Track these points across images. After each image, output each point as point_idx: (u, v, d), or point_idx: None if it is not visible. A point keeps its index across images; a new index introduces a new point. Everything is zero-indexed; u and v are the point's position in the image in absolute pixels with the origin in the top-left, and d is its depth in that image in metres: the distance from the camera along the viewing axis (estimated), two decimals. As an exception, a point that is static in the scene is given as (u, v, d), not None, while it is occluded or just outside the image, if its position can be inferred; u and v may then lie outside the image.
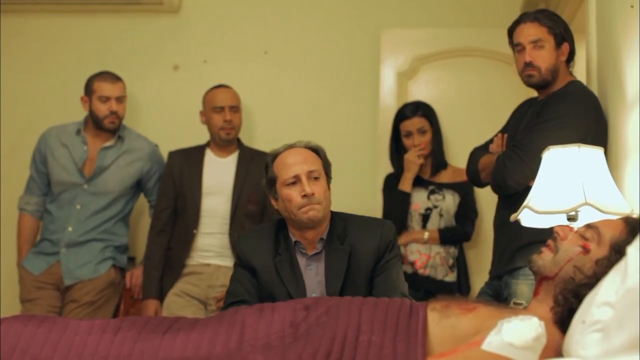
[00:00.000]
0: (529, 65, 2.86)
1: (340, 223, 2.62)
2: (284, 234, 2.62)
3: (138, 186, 3.89)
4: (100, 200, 3.74)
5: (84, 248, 3.69)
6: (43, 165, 3.81)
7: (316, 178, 2.54)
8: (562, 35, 2.87)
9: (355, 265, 2.54)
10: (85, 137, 3.80)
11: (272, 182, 2.60)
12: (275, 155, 2.63)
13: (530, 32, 2.87)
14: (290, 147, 2.63)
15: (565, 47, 2.88)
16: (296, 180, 2.54)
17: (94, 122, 3.79)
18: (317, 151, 2.63)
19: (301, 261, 2.58)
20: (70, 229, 3.69)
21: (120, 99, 3.79)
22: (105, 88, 3.75)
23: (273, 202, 2.63)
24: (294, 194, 2.52)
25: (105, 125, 3.76)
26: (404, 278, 2.62)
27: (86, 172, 3.75)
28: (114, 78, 3.80)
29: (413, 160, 3.82)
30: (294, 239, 2.59)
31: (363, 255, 2.55)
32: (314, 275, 2.57)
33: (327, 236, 2.58)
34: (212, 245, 3.71)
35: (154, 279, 3.70)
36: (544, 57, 2.85)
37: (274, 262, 2.56)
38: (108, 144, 3.79)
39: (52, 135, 3.83)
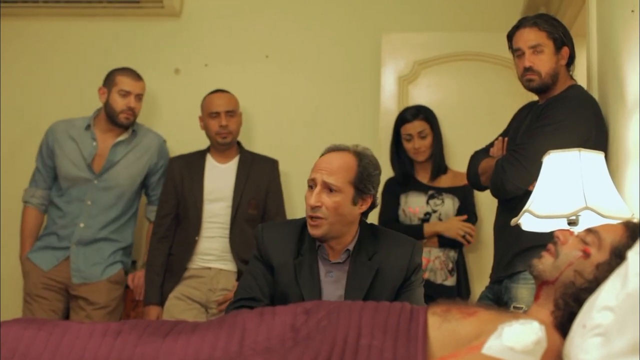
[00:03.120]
0: (528, 70, 2.86)
1: (370, 237, 2.54)
2: (309, 234, 2.51)
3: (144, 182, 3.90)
4: (110, 195, 3.74)
5: (94, 248, 3.69)
6: (50, 159, 3.80)
7: (331, 190, 2.44)
8: (562, 39, 2.87)
9: (380, 284, 2.47)
10: (94, 132, 3.80)
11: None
12: (326, 150, 2.55)
13: (529, 37, 2.87)
14: (337, 148, 2.53)
15: (565, 51, 2.88)
16: (312, 185, 2.47)
17: (108, 116, 3.78)
18: (360, 161, 2.49)
19: (322, 267, 2.50)
20: (82, 225, 3.70)
21: (139, 97, 3.81)
22: (127, 83, 3.76)
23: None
24: (308, 199, 2.47)
25: (120, 120, 3.75)
26: (423, 300, 2.54)
27: (95, 168, 3.75)
28: (138, 76, 3.83)
29: (457, 232, 3.78)
30: (318, 243, 2.51)
31: (390, 275, 2.48)
32: (333, 283, 2.50)
33: (354, 248, 2.51)
34: (213, 249, 3.71)
35: (156, 285, 3.70)
36: (543, 62, 2.85)
37: (293, 263, 2.48)
38: (121, 138, 3.80)
39: (60, 129, 3.82)
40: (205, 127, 3.86)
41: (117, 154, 3.78)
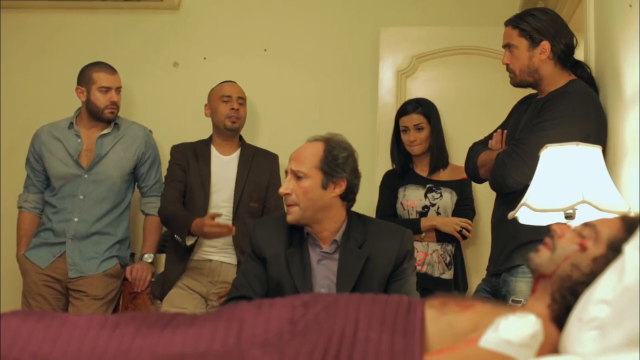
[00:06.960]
0: (507, 67, 2.93)
1: (360, 226, 2.61)
2: (299, 225, 2.61)
3: (134, 174, 3.92)
4: (102, 188, 3.78)
5: (90, 242, 3.73)
6: (38, 163, 3.86)
7: (299, 177, 2.55)
8: (540, 33, 2.86)
9: (370, 271, 2.53)
10: (78, 130, 3.85)
11: None
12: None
13: (504, 35, 2.95)
14: (313, 138, 2.66)
15: (544, 45, 2.86)
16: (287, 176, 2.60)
17: (91, 113, 3.83)
18: (326, 145, 2.59)
19: (314, 255, 2.57)
20: (76, 219, 3.74)
21: (119, 90, 3.86)
22: (106, 79, 3.81)
23: None
24: None
25: (105, 115, 3.81)
26: (416, 288, 2.61)
27: (83, 162, 3.79)
28: (112, 69, 3.87)
29: (453, 227, 3.79)
30: (306, 231, 2.59)
31: (380, 263, 2.55)
32: (324, 271, 2.56)
33: (343, 237, 2.57)
34: (215, 242, 3.72)
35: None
36: (516, 59, 2.90)
37: (285, 253, 2.56)
38: (105, 131, 3.85)
39: (44, 133, 3.89)
40: (214, 112, 3.88)
41: (104, 146, 3.82)
